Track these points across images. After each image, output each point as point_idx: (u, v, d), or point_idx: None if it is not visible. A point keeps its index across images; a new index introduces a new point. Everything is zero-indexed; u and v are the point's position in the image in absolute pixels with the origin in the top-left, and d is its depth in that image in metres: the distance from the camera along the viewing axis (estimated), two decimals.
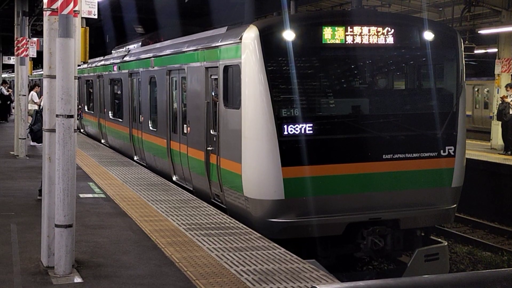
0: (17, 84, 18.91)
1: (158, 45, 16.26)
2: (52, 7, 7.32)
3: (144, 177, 14.00)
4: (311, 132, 9.64)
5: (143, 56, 16.65)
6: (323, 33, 9.84)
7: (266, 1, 21.35)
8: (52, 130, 7.24)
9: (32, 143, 18.40)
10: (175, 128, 13.71)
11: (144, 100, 16.32)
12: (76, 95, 7.30)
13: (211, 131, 11.34)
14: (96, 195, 11.86)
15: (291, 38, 9.61)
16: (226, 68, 10.64)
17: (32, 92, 22.21)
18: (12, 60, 35.63)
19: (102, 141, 22.04)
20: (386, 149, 10.11)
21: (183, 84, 13.27)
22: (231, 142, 10.33)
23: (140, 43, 19.03)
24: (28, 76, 19.90)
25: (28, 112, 18.40)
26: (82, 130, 26.05)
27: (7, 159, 17.27)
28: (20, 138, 17.73)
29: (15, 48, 18.76)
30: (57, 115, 7.00)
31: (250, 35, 9.80)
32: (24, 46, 18.55)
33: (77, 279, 7.00)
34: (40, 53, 20.00)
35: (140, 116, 16.62)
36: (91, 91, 24.38)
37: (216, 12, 22.08)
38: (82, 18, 8.15)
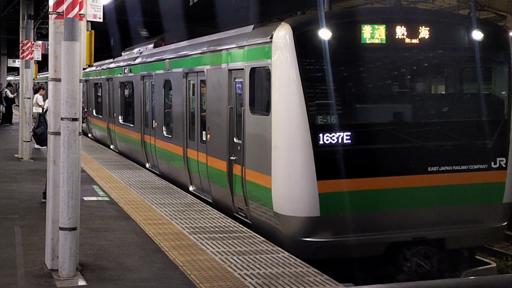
0: (22, 87, 18.97)
1: (173, 46, 15.25)
2: (57, 10, 7.33)
3: (148, 180, 14.00)
4: (349, 141, 8.71)
5: (157, 58, 15.75)
6: (362, 31, 8.96)
7: (271, 5, 21.35)
8: (57, 133, 7.25)
9: (36, 146, 18.43)
10: (193, 135, 12.80)
11: (157, 104, 15.38)
12: (81, 99, 7.31)
13: (234, 139, 10.45)
14: (100, 198, 11.87)
15: (328, 37, 8.73)
16: (253, 70, 9.81)
17: (37, 95, 22.26)
18: (17, 63, 35.69)
19: (111, 146, 21.16)
20: (432, 161, 9.17)
21: (202, 88, 12.33)
22: (259, 152, 9.52)
23: (152, 45, 18.16)
24: (34, 79, 19.96)
25: (32, 115, 18.45)
26: (89, 135, 25.29)
27: (11, 162, 17.31)
28: (24, 141, 17.79)
29: (20, 51, 18.83)
30: (62, 118, 7.01)
31: (282, 33, 8.92)
32: (29, 49, 18.62)
33: (81, 282, 7.00)
34: (45, 56, 20.06)
35: (153, 121, 15.67)
36: (100, 94, 23.56)
37: (221, 16, 22.09)
38: (87, 21, 8.15)
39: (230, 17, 21.75)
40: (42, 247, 7.83)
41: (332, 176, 8.69)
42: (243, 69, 10.06)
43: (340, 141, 8.69)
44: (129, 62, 18.58)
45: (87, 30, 8.02)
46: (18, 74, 27.53)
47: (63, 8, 7.06)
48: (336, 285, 7.07)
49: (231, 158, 10.45)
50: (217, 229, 9.49)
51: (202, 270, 7.45)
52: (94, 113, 24.29)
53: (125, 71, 18.82)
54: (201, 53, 12.26)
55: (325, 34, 8.76)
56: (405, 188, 9.05)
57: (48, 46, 7.78)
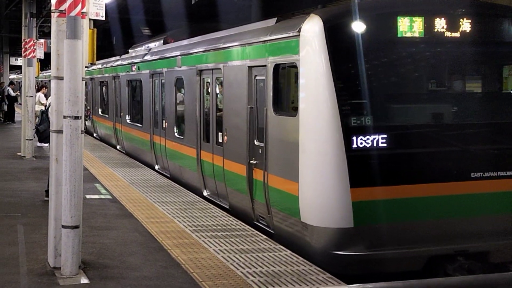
0: (24, 85, 18.99)
1: (185, 42, 14.43)
2: (60, 8, 7.34)
3: (150, 178, 14.01)
4: (385, 145, 7.99)
5: (167, 54, 14.89)
6: (399, 24, 8.22)
7: (273, 3, 21.35)
8: (60, 132, 7.26)
9: (39, 144, 18.42)
10: (207, 137, 12.00)
11: (168, 103, 14.60)
12: (83, 97, 7.31)
13: (255, 141, 9.73)
14: (102, 196, 11.87)
15: (361, 30, 8.06)
16: (277, 67, 9.09)
17: (39, 93, 22.29)
18: (19, 61, 35.74)
19: (118, 147, 20.50)
20: (475, 166, 8.37)
21: (218, 86, 11.60)
22: (284, 156, 8.78)
23: (162, 41, 17.27)
24: (36, 77, 19.97)
25: (35, 114, 18.46)
26: (95, 135, 24.81)
27: (14, 160, 17.33)
28: (26, 139, 17.81)
29: (23, 49, 18.83)
30: (64, 117, 7.01)
31: (312, 26, 8.19)
32: (32, 48, 18.64)
33: (84, 280, 7.00)
34: (47, 55, 20.09)
35: (164, 121, 14.91)
36: (106, 93, 22.86)
37: (223, 14, 22.10)
38: (89, 19, 8.17)
39: (232, 16, 21.74)
40: (44, 245, 7.84)
41: (366, 183, 7.96)
42: (265, 65, 9.34)
43: (375, 144, 7.96)
44: (137, 60, 17.96)
45: (89, 29, 8.03)
46: (21, 72, 27.62)
47: (65, 6, 7.07)
48: (338, 283, 7.07)
49: (252, 162, 9.77)
50: (219, 227, 9.49)
51: (204, 268, 7.45)
52: (100, 112, 23.66)
53: (133, 68, 18.19)
54: (217, 49, 11.50)
55: (358, 27, 8.08)
56: (445, 196, 8.28)
57: (50, 44, 7.77)
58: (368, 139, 7.95)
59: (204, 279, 7.03)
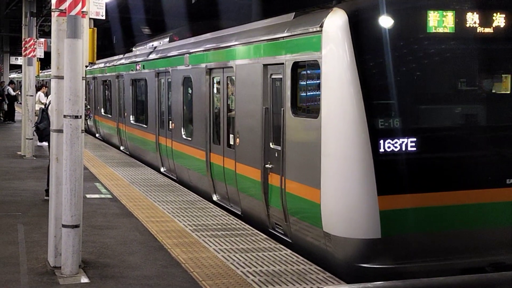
0: (24, 85, 18.99)
1: (193, 39, 13.74)
2: (60, 8, 7.34)
3: (150, 178, 14.01)
4: (415, 149, 7.46)
5: (174, 53, 14.32)
6: (428, 19, 7.64)
7: (274, 2, 21.35)
8: (60, 131, 7.26)
9: (39, 144, 18.45)
10: (218, 139, 11.45)
11: (175, 103, 14.06)
12: (84, 96, 7.31)
13: (270, 144, 9.22)
14: (102, 196, 11.88)
15: (389, 25, 7.53)
16: (296, 65, 8.53)
17: (39, 93, 22.32)
18: (19, 61, 35.76)
19: (121, 148, 20.05)
20: (511, 172, 7.83)
21: (229, 85, 11.04)
22: (304, 161, 8.23)
23: (168, 39, 16.67)
24: (37, 76, 19.97)
25: (35, 113, 18.47)
26: (97, 135, 24.35)
27: (14, 160, 17.34)
28: (27, 139, 17.82)
29: (23, 48, 18.84)
30: (64, 116, 7.02)
31: (335, 21, 7.63)
32: (32, 47, 18.64)
33: (84, 279, 7.00)
34: (47, 54, 20.09)
35: (170, 122, 14.39)
36: (109, 92, 22.32)
37: (223, 13, 22.11)
38: (90, 19, 8.16)
39: (232, 15, 21.75)
40: (45, 245, 7.84)
41: (395, 190, 7.41)
42: (283, 63, 8.78)
43: (403, 148, 7.44)
44: (142, 58, 17.41)
45: (89, 28, 8.03)
46: (21, 72, 27.62)
47: (65, 5, 7.07)
48: (338, 282, 7.07)
49: (267, 166, 9.23)
50: (219, 226, 9.49)
51: (204, 267, 7.45)
52: (103, 112, 23.17)
53: (137, 67, 17.65)
54: (228, 46, 10.92)
55: (385, 21, 7.53)
56: (479, 204, 7.71)
57: (50, 43, 7.77)
58: (396, 142, 7.44)
59: (204, 278, 7.03)
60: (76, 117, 6.98)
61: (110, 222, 9.76)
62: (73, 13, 6.94)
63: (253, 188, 9.72)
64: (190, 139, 12.96)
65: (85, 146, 8.13)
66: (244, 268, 7.45)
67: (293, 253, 8.13)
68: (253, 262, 7.70)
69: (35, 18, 19.03)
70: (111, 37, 33.15)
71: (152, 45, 17.90)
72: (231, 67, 10.64)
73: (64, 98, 7.03)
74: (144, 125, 16.85)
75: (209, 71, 11.82)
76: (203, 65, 12.03)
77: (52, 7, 7.48)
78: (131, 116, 18.52)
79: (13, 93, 31.25)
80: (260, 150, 9.43)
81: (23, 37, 18.82)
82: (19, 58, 36.53)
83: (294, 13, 9.12)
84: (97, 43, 8.46)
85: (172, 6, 24.51)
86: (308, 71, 8.38)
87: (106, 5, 10.86)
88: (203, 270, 7.33)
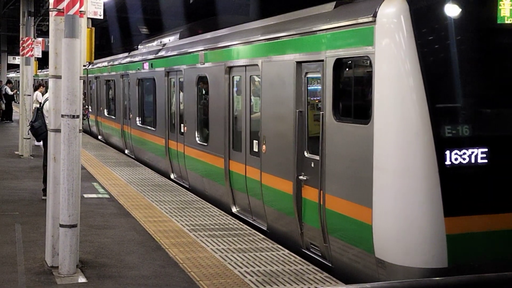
0: (22, 84, 18.97)
1: (209, 35, 12.50)
2: (58, 7, 7.33)
3: (148, 177, 14.01)
4: (486, 161, 6.41)
5: (187, 50, 13.15)
6: (499, 8, 6.57)
7: (272, 2, 21.36)
8: (57, 130, 7.25)
9: (36, 143, 18.43)
10: (239, 145, 10.39)
11: (188, 105, 12.96)
12: (81, 96, 7.31)
13: (305, 153, 8.19)
14: (100, 195, 11.87)
15: (455, 15, 6.48)
16: (339, 62, 7.39)
17: (36, 92, 22.26)
18: (17, 60, 35.72)
19: (126, 151, 19.01)
20: None
21: (253, 86, 10.00)
22: (350, 173, 7.10)
23: (178, 35, 15.54)
24: (35, 76, 19.95)
25: (32, 112, 18.45)
26: (100, 137, 23.45)
27: (11, 159, 17.32)
28: (24, 138, 17.80)
29: (21, 48, 18.85)
30: (62, 116, 7.01)
31: (393, 10, 6.53)
32: (30, 46, 18.63)
33: (81, 279, 7.00)
34: (45, 53, 20.08)
35: (182, 125, 13.34)
36: (113, 92, 21.23)
37: (221, 13, 22.12)
38: (88, 18, 8.15)
39: (230, 15, 21.75)
40: (42, 244, 7.84)
41: (465, 210, 6.34)
42: (322, 60, 7.66)
43: (473, 160, 6.37)
44: (150, 56, 16.25)
45: (87, 27, 8.02)
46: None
47: (63, 5, 7.06)
48: (336, 282, 7.07)
49: (301, 177, 8.18)
50: (217, 226, 9.49)
51: (202, 267, 7.45)
52: (106, 114, 22.14)
53: (145, 66, 16.52)
54: (252, 42, 9.85)
55: (452, 10, 6.46)
56: None
57: (48, 43, 7.77)
58: (464, 153, 6.34)
59: (202, 278, 7.03)
60: (74, 116, 6.98)
61: (108, 222, 9.75)
62: (71, 12, 6.94)
63: (283, 202, 8.69)
64: (205, 144, 11.91)
65: (82, 146, 8.11)
66: (241, 268, 7.45)
67: (291, 253, 8.12)
68: (250, 262, 7.70)
69: (33, 18, 19.02)
70: (109, 36, 33.14)
71: (161, 42, 16.91)
72: (256, 65, 9.60)
73: (61, 98, 7.03)
74: (152, 128, 15.84)
75: (229, 69, 10.75)
76: (222, 63, 10.99)
77: (50, 7, 7.47)
78: (137, 118, 17.47)
79: (10, 92, 31.22)
80: (292, 159, 8.36)
81: (20, 37, 18.82)
82: (16, 57, 36.48)
83: (334, 2, 7.93)
84: (97, 42, 8.46)
85: (169, 6, 24.52)
86: (356, 69, 7.32)
87: (104, 4, 10.83)
88: (201, 270, 7.33)
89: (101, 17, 10.40)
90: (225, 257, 7.86)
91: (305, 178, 8.14)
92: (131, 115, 18.11)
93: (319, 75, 7.88)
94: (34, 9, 18.91)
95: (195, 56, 12.53)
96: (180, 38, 15.21)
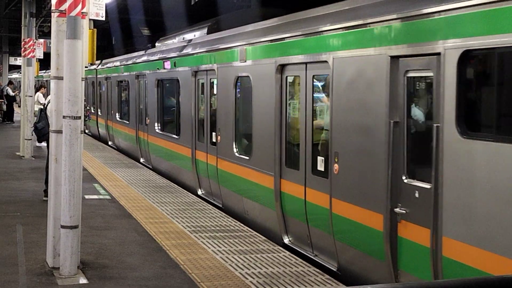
0: (23, 85, 18.99)
1: (250, 27, 10.63)
2: (60, 8, 7.34)
3: (149, 179, 14.01)
4: None
5: (221, 46, 11.32)
6: None
7: (272, 3, 21.38)
8: (59, 132, 7.26)
9: (38, 144, 18.44)
10: (295, 161, 8.72)
11: (223, 111, 11.13)
12: (83, 97, 7.32)
13: (403, 177, 6.36)
14: (101, 197, 11.87)
15: None
16: (467, 55, 5.55)
17: (38, 93, 22.29)
18: (18, 61, 35.74)
19: (141, 160, 17.32)
20: None
21: (318, 88, 8.39)
22: (490, 213, 5.24)
23: (205, 30, 13.77)
24: (36, 77, 19.96)
25: (34, 113, 18.47)
26: (110, 143, 21.90)
27: (13, 160, 17.33)
28: (26, 139, 17.81)
29: (22, 49, 18.85)
30: (64, 117, 7.02)
31: None
32: (31, 47, 18.65)
33: (82, 280, 7.00)
34: (46, 54, 20.10)
35: (215, 134, 11.53)
36: (126, 94, 19.64)
37: (222, 15, 22.14)
38: (89, 19, 8.16)
39: (231, 16, 21.76)
40: (43, 245, 7.84)
41: None
42: (438, 54, 5.82)
43: None
44: (172, 54, 14.47)
45: (89, 29, 8.03)
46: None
47: (65, 6, 7.07)
48: (337, 284, 7.07)
49: (397, 210, 6.36)
50: (218, 228, 9.49)
51: (203, 269, 7.45)
52: (118, 118, 20.38)
53: (166, 65, 14.77)
54: (319, 32, 7.97)
55: None
56: None
57: (50, 44, 7.78)
58: None
59: (203, 280, 7.03)
60: (75, 117, 6.98)
61: (109, 223, 9.75)
62: (73, 14, 6.95)
63: (367, 239, 6.95)
64: (247, 158, 10.10)
65: (83, 147, 8.12)
66: (242, 269, 7.45)
67: (292, 255, 8.12)
68: (251, 263, 7.70)
69: (35, 19, 19.05)
70: (110, 37, 33.18)
71: (184, 38, 15.06)
72: (324, 61, 7.78)
73: (63, 99, 7.04)
74: (174, 136, 14.11)
75: (281, 68, 9.00)
76: (271, 61, 9.15)
77: (52, 8, 7.48)
78: (155, 124, 15.65)
79: (12, 93, 31.24)
80: (383, 185, 6.55)
81: (22, 38, 18.83)
82: (18, 58, 36.50)
83: None
84: (98, 43, 8.47)
85: (171, 7, 24.57)
86: (500, 64, 5.54)
87: (106, 6, 10.86)
88: (202, 272, 7.33)
89: (103, 19, 10.43)
90: (226, 259, 7.86)
91: (403, 212, 6.30)
92: (148, 120, 16.38)
93: (429, 73, 6.10)
94: (35, 10, 18.94)
95: (232, 52, 10.67)
96: (209, 33, 13.34)
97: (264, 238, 8.94)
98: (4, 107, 31.33)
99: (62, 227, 7.10)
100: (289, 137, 9.02)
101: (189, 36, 14.76)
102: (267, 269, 7.49)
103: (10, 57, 38.53)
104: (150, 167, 16.19)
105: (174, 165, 14.23)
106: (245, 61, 10.18)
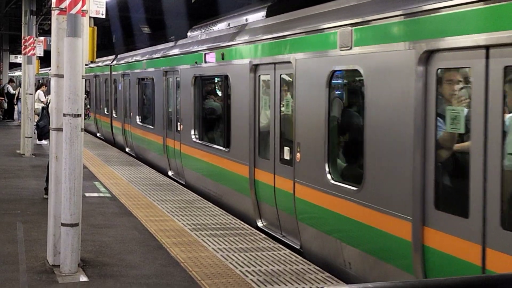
0: (24, 83, 18.99)
1: (333, 4, 7.85)
2: (60, 6, 7.34)
3: (149, 177, 14.01)
4: None
5: (297, 30, 8.32)
6: None
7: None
8: (59, 129, 7.26)
9: (38, 142, 18.47)
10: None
11: (303, 118, 8.13)
12: (83, 95, 7.31)
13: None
14: (102, 195, 11.88)
15: None
16: None
17: (38, 91, 22.31)
18: (19, 59, 35.73)
19: (170, 173, 14.53)
20: None
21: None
22: None
23: (264, 12, 10.41)
24: (40, 74, 19.90)
25: (34, 111, 18.47)
26: (127, 149, 19.11)
27: (13, 158, 17.33)
28: (26, 137, 17.81)
29: (23, 47, 18.85)
30: (64, 114, 7.02)
31: None
32: (32, 45, 18.64)
33: (83, 278, 7.00)
34: (47, 52, 20.09)
35: (287, 149, 8.71)
36: (150, 94, 16.77)
37: (223, 13, 22.13)
38: (90, 17, 8.15)
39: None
40: (44, 243, 7.84)
41: None
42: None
43: None
44: (220, 44, 11.31)
45: (89, 27, 8.03)
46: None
47: (65, 4, 7.07)
48: (337, 282, 7.07)
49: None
50: (218, 226, 9.49)
51: (203, 266, 7.45)
52: (138, 121, 17.50)
53: (208, 58, 11.87)
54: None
55: None
56: None
57: (50, 42, 7.77)
58: None
59: (203, 278, 7.03)
60: (76, 115, 6.98)
61: (109, 221, 9.75)
62: (73, 11, 6.94)
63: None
64: (339, 184, 7.39)
65: (84, 145, 8.11)
66: (243, 267, 7.45)
67: (292, 252, 8.12)
68: (252, 261, 7.70)
69: (35, 17, 19.03)
70: (110, 35, 33.14)
71: (228, 24, 12.03)
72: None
73: (63, 97, 7.04)
74: (223, 148, 11.15)
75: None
76: (400, 45, 6.09)
77: (52, 6, 7.48)
78: (192, 131, 12.76)
79: (12, 91, 31.24)
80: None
81: (22, 36, 18.82)
82: (18, 56, 36.48)
83: None
84: (98, 41, 8.45)
85: (171, 5, 24.54)
86: None
87: (106, 3, 10.82)
88: (202, 269, 7.33)
89: (104, 16, 10.40)
90: (227, 257, 7.86)
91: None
92: (180, 126, 13.56)
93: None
94: (36, 8, 18.93)
95: (323, 37, 7.64)
96: (268, 16, 10.18)
97: (264, 236, 8.94)
98: (5, 105, 31.32)
99: (63, 225, 7.11)
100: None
101: (235, 21, 11.69)
102: (267, 267, 7.49)
103: (10, 55, 38.51)
104: (184, 183, 13.38)
105: (222, 186, 11.26)
106: (350, 48, 7.09)
